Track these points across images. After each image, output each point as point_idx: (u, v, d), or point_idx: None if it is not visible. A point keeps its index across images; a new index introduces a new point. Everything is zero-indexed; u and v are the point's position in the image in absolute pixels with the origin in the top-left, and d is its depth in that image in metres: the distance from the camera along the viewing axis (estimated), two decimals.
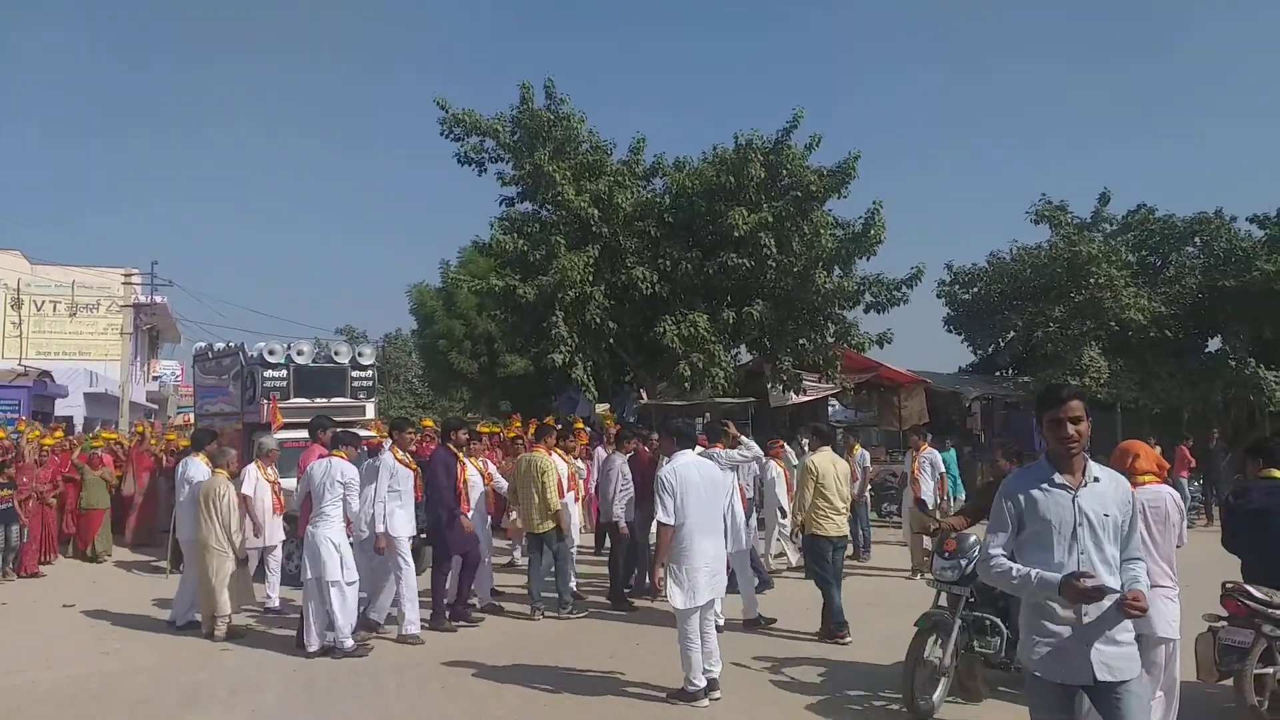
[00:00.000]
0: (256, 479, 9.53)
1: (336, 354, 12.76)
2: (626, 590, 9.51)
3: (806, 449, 11.90)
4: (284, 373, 12.20)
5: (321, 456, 8.20)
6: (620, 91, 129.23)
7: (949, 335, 25.38)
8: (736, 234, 16.30)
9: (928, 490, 11.63)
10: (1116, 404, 21.29)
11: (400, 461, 8.23)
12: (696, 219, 17.43)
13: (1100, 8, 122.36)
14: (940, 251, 73.89)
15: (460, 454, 8.79)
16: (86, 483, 12.92)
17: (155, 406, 37.80)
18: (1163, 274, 22.91)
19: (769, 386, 18.91)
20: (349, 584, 7.61)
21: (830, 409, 23.39)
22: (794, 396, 18.86)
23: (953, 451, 15.65)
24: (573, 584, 9.35)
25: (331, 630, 7.56)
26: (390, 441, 8.68)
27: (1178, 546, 5.07)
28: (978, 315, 24.07)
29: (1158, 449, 16.95)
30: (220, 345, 14.48)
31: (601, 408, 18.41)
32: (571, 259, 16.27)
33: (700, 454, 7.06)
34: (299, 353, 12.39)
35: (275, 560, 9.78)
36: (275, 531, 9.74)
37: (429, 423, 16.26)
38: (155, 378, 40.74)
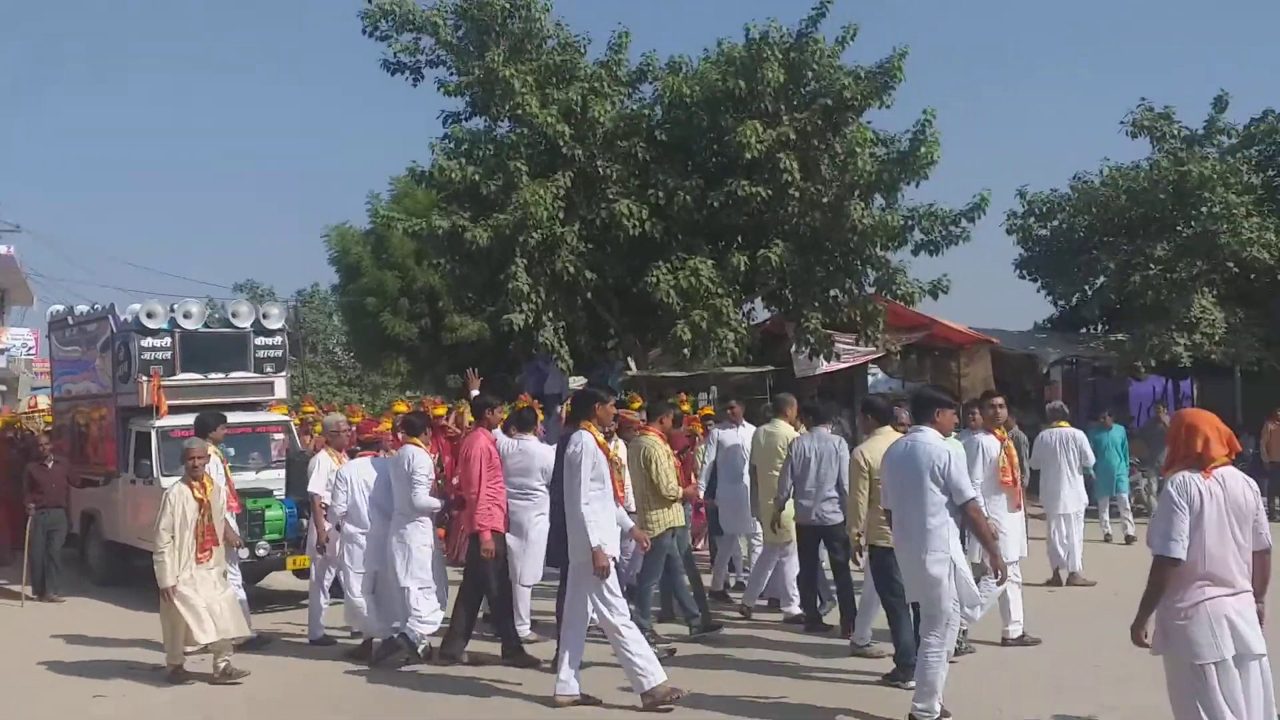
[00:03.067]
0: (329, 469, 9.43)
1: (235, 316, 12.67)
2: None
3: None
4: (167, 341, 12.08)
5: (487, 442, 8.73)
6: None
7: (1021, 282, 25.34)
8: (749, 155, 16.22)
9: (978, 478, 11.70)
10: (1235, 367, 21.40)
11: (601, 447, 7.69)
12: (697, 137, 17.36)
13: None
14: (1011, 174, 73.75)
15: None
16: None
17: (3, 387, 37.68)
18: None
19: (792, 351, 18.96)
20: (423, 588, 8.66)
21: (870, 378, 23.47)
22: (824, 363, 18.89)
23: (1119, 430, 15.29)
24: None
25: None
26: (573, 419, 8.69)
27: (1259, 549, 5.02)
28: (1059, 256, 24.04)
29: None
30: (84, 308, 14.39)
31: (576, 381, 18.41)
32: (536, 190, 16.18)
33: None
34: (186, 315, 12.27)
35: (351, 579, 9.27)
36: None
37: (403, 406, 16.32)
38: (1, 350, 40.59)
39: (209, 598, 8.14)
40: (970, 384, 20.87)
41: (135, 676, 8.45)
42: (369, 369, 39.98)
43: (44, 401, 23.70)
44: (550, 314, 16.82)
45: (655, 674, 7.06)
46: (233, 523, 9.31)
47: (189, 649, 8.26)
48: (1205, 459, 5.01)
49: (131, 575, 12.25)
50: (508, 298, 16.48)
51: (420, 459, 8.80)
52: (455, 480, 9.69)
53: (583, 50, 18.10)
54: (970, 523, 6.76)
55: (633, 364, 18.44)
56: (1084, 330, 25.18)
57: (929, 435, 6.85)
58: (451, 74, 17.83)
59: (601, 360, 19.54)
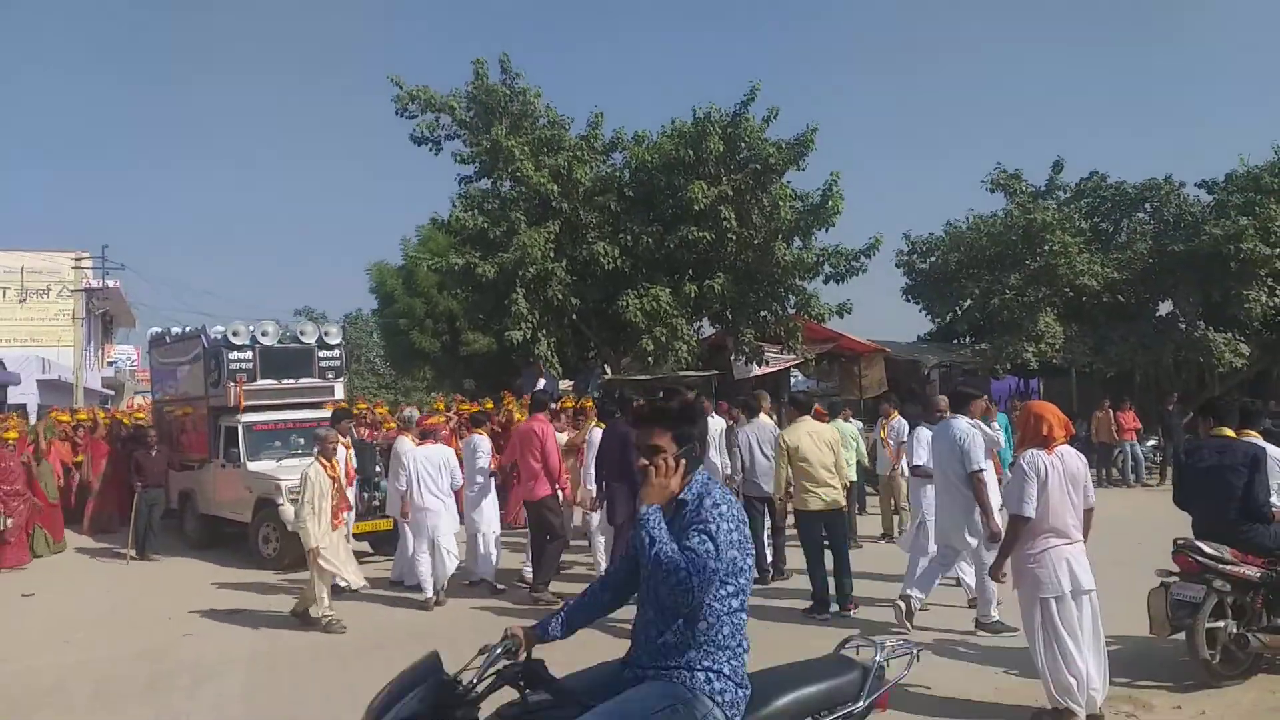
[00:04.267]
0: (406, 450, 9.28)
1: (302, 334, 12.51)
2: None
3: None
4: (249, 354, 11.95)
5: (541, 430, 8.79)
6: (576, 65, 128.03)
7: (907, 304, 25.45)
8: (697, 207, 16.25)
9: (885, 459, 11.74)
10: (1071, 368, 21.62)
11: None
12: (656, 193, 17.34)
13: None
14: (898, 221, 74.33)
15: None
16: (40, 474, 12.64)
17: (111, 392, 37.07)
18: (1114, 240, 23.22)
19: (732, 359, 18.96)
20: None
21: (792, 380, 23.51)
22: (756, 368, 18.90)
23: (1001, 417, 14.95)
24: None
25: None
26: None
27: (1088, 508, 5.14)
28: (935, 284, 24.18)
29: (1110, 412, 17.45)
30: (177, 330, 14.21)
31: (564, 383, 18.37)
32: (532, 235, 16.14)
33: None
34: (264, 334, 12.13)
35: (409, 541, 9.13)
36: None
37: (441, 405, 16.24)
38: (110, 363, 39.95)
39: (340, 556, 8.14)
40: (869, 383, 20.94)
41: (220, 620, 8.31)
42: (401, 375, 39.69)
43: (138, 402, 23.45)
44: (544, 331, 16.75)
45: None
46: (350, 493, 9.15)
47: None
48: (1048, 439, 5.08)
49: (221, 540, 12.15)
50: (510, 319, 16.41)
51: (487, 444, 9.66)
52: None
53: (567, 126, 18.06)
54: (973, 488, 6.81)
55: (608, 370, 18.42)
56: (955, 341, 25.34)
57: (960, 420, 7.08)
58: (464, 145, 17.76)
59: (584, 367, 19.52)
